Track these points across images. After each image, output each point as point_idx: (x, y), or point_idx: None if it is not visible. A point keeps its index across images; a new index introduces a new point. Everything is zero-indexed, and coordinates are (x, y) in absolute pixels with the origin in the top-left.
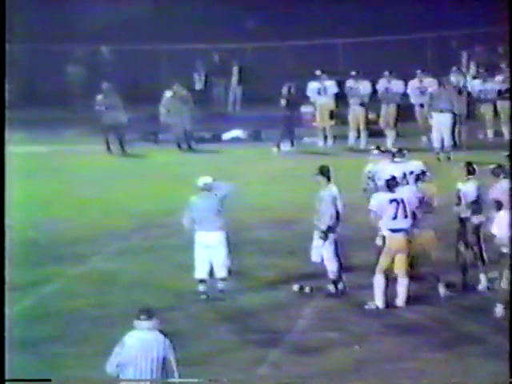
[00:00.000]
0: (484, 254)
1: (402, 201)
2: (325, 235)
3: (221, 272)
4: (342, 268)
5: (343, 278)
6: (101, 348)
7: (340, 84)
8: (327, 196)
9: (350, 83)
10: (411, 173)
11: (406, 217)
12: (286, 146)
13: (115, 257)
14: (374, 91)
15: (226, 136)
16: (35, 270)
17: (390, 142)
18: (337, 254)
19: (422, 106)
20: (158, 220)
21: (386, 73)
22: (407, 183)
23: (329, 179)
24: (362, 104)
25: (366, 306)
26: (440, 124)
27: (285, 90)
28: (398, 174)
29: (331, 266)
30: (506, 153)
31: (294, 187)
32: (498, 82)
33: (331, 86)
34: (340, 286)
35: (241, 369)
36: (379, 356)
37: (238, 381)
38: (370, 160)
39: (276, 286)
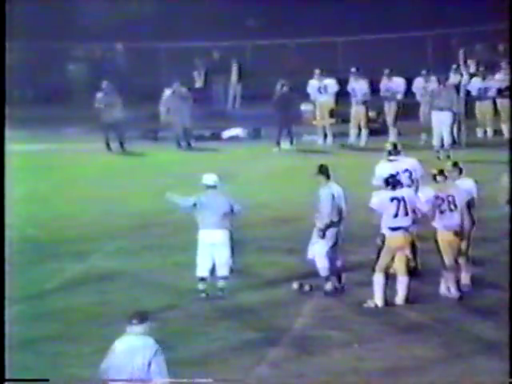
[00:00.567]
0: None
1: (403, 199)
2: (322, 233)
3: (222, 270)
4: (336, 266)
5: (342, 276)
6: (100, 347)
7: (341, 82)
8: (325, 194)
9: (351, 81)
10: (406, 171)
11: (406, 215)
12: (285, 144)
13: (115, 255)
14: (374, 90)
15: (226, 134)
16: (35, 268)
17: (391, 139)
18: (335, 252)
19: (426, 104)
20: (157, 218)
21: (387, 71)
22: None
23: (328, 177)
24: (362, 102)
25: (365, 305)
26: (440, 122)
27: (277, 88)
28: (393, 172)
29: (320, 263)
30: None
31: (293, 185)
32: (497, 80)
33: (331, 84)
34: (329, 285)
35: (240, 367)
36: (378, 354)
37: (238, 381)
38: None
39: (275, 284)
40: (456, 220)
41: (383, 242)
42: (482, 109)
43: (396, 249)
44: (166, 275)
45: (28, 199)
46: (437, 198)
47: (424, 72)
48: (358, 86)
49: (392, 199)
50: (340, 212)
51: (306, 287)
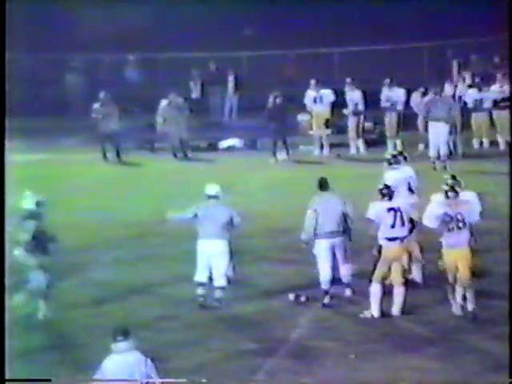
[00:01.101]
0: None
1: (399, 209)
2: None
3: (220, 281)
4: (341, 276)
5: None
6: (95, 358)
7: (337, 93)
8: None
9: (347, 92)
10: (408, 178)
11: (403, 225)
12: (281, 155)
13: (111, 265)
14: (371, 100)
15: (222, 145)
16: None
17: (389, 151)
18: (341, 262)
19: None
20: (154, 228)
21: (387, 81)
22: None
23: (322, 189)
24: (354, 113)
25: (362, 315)
26: (436, 133)
27: (271, 99)
28: (394, 181)
29: (323, 276)
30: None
31: (290, 195)
32: (493, 91)
33: (327, 94)
34: (327, 299)
35: (237, 378)
36: (375, 365)
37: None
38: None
39: (272, 294)
40: (463, 238)
41: (379, 252)
42: (478, 120)
43: (392, 259)
44: (162, 285)
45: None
46: (445, 214)
47: (422, 89)
48: (351, 97)
49: (389, 210)
50: (341, 222)
51: (303, 298)
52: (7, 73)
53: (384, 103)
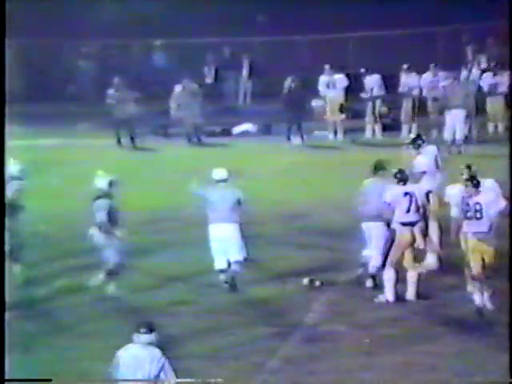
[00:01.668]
0: None
1: (414, 194)
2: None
3: (236, 256)
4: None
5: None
6: (112, 343)
7: (350, 78)
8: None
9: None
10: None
11: (417, 210)
12: (296, 140)
13: (127, 251)
14: (385, 86)
15: (236, 130)
16: (46, 264)
17: (403, 135)
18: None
19: (434, 99)
20: (168, 214)
21: (405, 66)
22: None
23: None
24: (371, 98)
25: (376, 300)
26: (454, 118)
27: (286, 84)
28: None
29: (375, 261)
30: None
31: (304, 181)
32: (508, 75)
33: (341, 79)
34: (370, 282)
35: (252, 362)
36: (389, 350)
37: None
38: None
39: (286, 279)
40: (480, 229)
41: (393, 237)
42: (494, 104)
43: (406, 244)
44: (177, 270)
45: (40, 194)
46: (463, 201)
47: (432, 65)
48: (368, 81)
49: (405, 194)
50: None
51: (317, 282)
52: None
53: (402, 89)
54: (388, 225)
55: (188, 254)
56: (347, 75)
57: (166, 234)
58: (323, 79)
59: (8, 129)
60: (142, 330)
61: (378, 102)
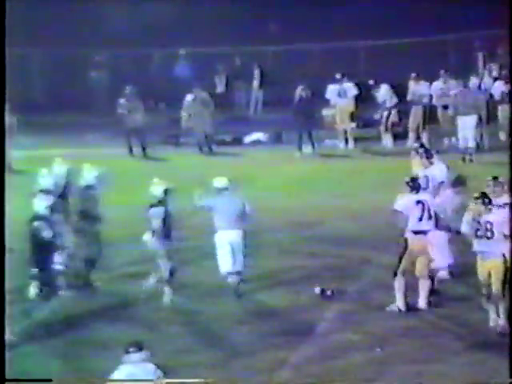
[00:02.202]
0: None
1: (426, 202)
2: None
3: (238, 266)
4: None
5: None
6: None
7: (360, 86)
8: None
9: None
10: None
11: (430, 218)
12: (307, 149)
13: (138, 260)
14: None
15: (248, 139)
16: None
17: (409, 144)
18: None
19: (445, 107)
20: (179, 222)
21: (414, 75)
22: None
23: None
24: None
25: (388, 308)
26: (464, 126)
27: (297, 93)
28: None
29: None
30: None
31: (315, 189)
32: None
33: (351, 88)
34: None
35: (263, 370)
36: (401, 359)
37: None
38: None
39: (297, 288)
40: (495, 249)
41: (405, 245)
42: (505, 112)
43: (418, 252)
44: (188, 278)
45: None
46: (474, 220)
47: (442, 72)
48: (379, 96)
49: (417, 202)
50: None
51: (328, 292)
52: (33, 68)
53: (411, 97)
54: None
55: (198, 261)
56: (357, 84)
57: (177, 241)
58: (332, 88)
59: (18, 139)
60: (131, 350)
61: (393, 111)
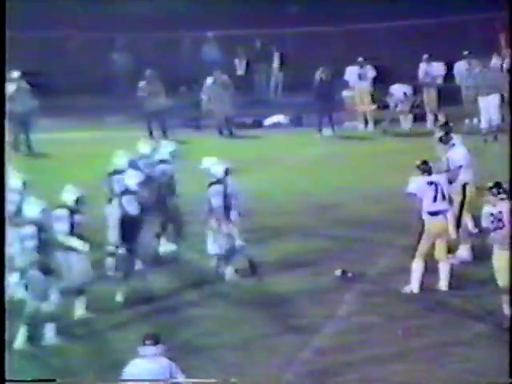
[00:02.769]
0: None
1: (439, 183)
2: None
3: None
4: None
5: None
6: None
7: (377, 68)
8: None
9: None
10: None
11: (444, 198)
12: (327, 131)
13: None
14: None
15: (268, 121)
16: None
17: (429, 125)
18: None
19: (468, 88)
20: (199, 206)
21: (425, 56)
22: None
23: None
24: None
25: (402, 291)
26: (487, 106)
27: (317, 75)
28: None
29: None
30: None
31: (335, 172)
32: None
33: (369, 70)
34: None
35: (284, 354)
36: (422, 341)
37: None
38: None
39: (318, 270)
40: (506, 239)
41: (422, 228)
42: None
43: (436, 234)
44: (205, 263)
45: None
46: (490, 213)
47: (466, 53)
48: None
49: (429, 183)
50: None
51: (349, 274)
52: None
53: (423, 78)
54: None
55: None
56: (376, 66)
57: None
58: (352, 70)
59: (39, 122)
60: (147, 342)
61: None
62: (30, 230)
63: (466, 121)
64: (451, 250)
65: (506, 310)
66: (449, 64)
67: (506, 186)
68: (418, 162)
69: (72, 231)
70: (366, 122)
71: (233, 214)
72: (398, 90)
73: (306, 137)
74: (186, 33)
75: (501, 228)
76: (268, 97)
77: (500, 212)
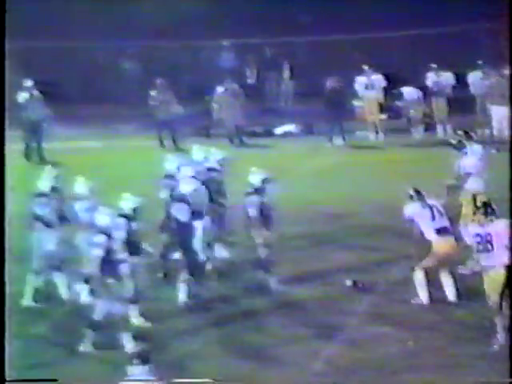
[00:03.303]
0: None
1: (434, 205)
2: None
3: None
4: None
5: None
6: None
7: (389, 78)
8: None
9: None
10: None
11: (442, 215)
12: (338, 140)
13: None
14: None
15: (279, 130)
16: None
17: (440, 134)
18: None
19: (481, 97)
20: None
21: (434, 66)
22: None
23: None
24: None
25: (413, 301)
26: (499, 115)
27: (328, 84)
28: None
29: None
30: None
31: (346, 181)
32: None
33: (378, 79)
34: None
35: (295, 364)
36: (433, 352)
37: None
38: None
39: (329, 279)
40: (493, 262)
41: (429, 248)
42: None
43: (444, 255)
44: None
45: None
46: (476, 234)
47: (480, 62)
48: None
49: (424, 206)
50: None
51: (360, 284)
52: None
53: (432, 88)
54: None
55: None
56: (386, 75)
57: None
58: (361, 80)
59: (50, 131)
60: (135, 362)
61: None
62: (101, 238)
63: (478, 130)
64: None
65: (501, 334)
66: (459, 74)
67: (495, 206)
68: (411, 191)
69: (128, 239)
70: (377, 132)
71: (269, 224)
72: (411, 93)
73: (317, 146)
74: (197, 41)
75: (488, 251)
76: (279, 105)
77: (489, 234)
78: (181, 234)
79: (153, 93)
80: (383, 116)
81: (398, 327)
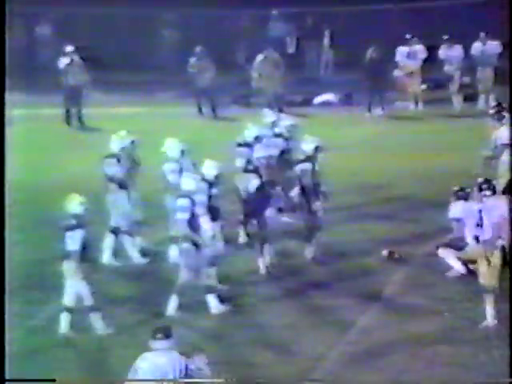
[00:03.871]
0: None
1: (482, 210)
2: None
3: None
4: None
5: None
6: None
7: (429, 48)
8: None
9: (444, 49)
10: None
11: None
12: (377, 110)
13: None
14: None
15: (317, 100)
16: None
17: (481, 105)
18: None
19: None
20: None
21: (482, 35)
22: None
23: None
24: (455, 69)
25: (449, 273)
26: None
27: (368, 54)
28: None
29: None
30: None
31: (385, 151)
32: None
33: (420, 50)
34: None
35: (330, 334)
36: (469, 323)
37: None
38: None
39: (366, 251)
40: (483, 237)
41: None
42: None
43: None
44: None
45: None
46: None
47: None
48: (451, 53)
49: (471, 208)
50: None
51: (396, 255)
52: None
53: (479, 57)
54: None
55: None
56: (428, 46)
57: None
58: (403, 50)
59: (91, 96)
60: (157, 336)
61: (459, 74)
62: (186, 202)
63: None
64: None
65: (489, 313)
66: (504, 43)
67: (495, 183)
68: (456, 188)
69: (209, 204)
70: (417, 102)
71: (320, 193)
72: (455, 58)
73: (356, 116)
74: (237, 9)
75: (480, 226)
76: (318, 75)
77: (480, 211)
78: (254, 204)
79: (192, 60)
80: (424, 86)
81: (433, 299)
